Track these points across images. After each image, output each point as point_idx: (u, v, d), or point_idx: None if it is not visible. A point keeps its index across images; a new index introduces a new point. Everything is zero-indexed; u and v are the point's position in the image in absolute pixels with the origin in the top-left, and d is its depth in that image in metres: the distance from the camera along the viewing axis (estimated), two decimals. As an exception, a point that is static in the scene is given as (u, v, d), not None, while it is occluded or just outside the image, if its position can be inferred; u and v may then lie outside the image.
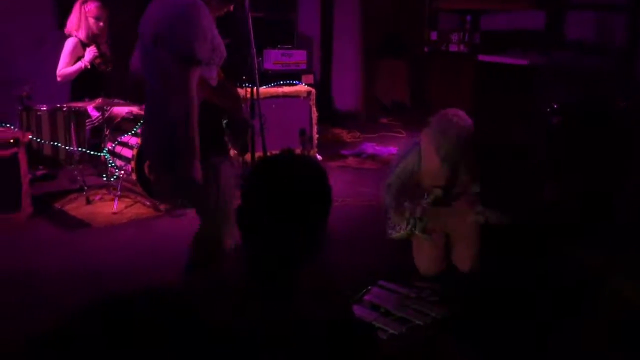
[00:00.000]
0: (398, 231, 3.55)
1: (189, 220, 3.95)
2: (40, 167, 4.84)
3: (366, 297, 3.05)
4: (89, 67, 4.74)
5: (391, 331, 2.72)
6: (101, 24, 4.79)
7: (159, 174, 2.68)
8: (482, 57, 6.60)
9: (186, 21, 2.38)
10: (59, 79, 4.77)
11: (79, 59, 4.76)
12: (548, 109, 5.43)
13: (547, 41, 6.24)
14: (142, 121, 4.47)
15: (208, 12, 2.43)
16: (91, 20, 4.75)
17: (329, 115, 7.21)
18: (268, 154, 4.41)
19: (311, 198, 1.41)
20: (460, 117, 3.26)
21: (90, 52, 4.73)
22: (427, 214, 3.38)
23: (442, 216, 3.37)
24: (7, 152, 4.01)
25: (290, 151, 1.45)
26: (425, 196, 3.44)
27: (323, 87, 7.39)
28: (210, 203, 2.58)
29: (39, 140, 4.42)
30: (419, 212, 3.40)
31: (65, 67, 4.74)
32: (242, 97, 2.90)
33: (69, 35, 4.79)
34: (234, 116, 2.67)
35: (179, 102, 2.38)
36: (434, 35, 7.09)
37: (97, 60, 4.77)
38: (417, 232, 3.42)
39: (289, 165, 1.43)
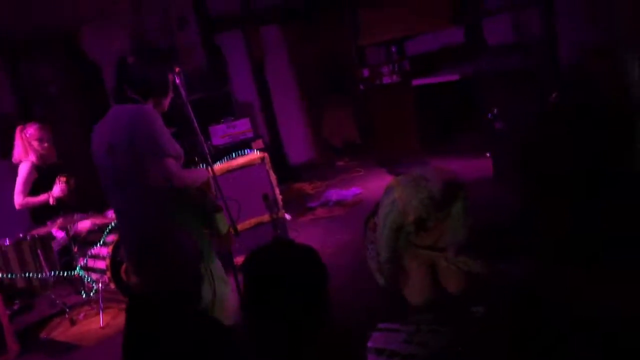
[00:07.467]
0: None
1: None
2: (16, 301, 4.74)
3: (369, 344, 3.09)
4: (54, 203, 4.57)
5: (401, 372, 2.76)
6: (45, 144, 4.69)
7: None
8: (416, 82, 6.84)
9: (143, 123, 2.43)
10: (18, 207, 4.62)
11: (35, 180, 4.64)
12: (489, 115, 5.65)
13: (471, 52, 6.49)
14: (108, 229, 4.49)
15: (158, 114, 2.51)
16: (35, 143, 4.66)
17: (287, 172, 7.32)
18: (238, 227, 4.41)
19: (307, 279, 1.54)
20: (428, 178, 3.26)
21: (59, 189, 4.57)
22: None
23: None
24: (-19, 297, 3.96)
25: (278, 239, 1.61)
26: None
27: (275, 148, 7.51)
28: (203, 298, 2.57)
29: (9, 275, 4.35)
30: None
31: (22, 193, 4.58)
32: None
33: (19, 163, 4.67)
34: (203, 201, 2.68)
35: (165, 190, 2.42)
36: (365, 72, 7.31)
37: (65, 195, 4.59)
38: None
39: (282, 254, 1.57)
